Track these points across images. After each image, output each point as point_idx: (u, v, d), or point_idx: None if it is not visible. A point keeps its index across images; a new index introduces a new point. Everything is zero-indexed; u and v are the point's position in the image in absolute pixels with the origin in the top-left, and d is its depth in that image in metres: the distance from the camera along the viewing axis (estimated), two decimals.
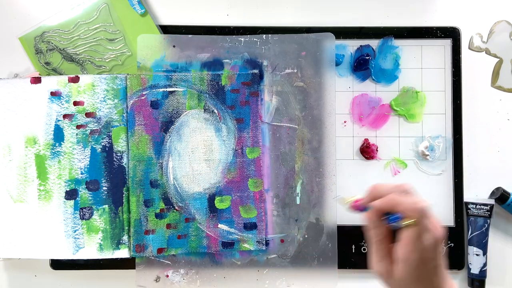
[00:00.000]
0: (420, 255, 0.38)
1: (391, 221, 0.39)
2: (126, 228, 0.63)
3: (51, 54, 0.66)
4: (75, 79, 0.64)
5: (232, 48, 0.66)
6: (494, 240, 0.66)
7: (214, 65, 0.65)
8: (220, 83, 0.65)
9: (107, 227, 0.63)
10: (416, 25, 0.67)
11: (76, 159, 0.63)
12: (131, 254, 0.63)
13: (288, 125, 0.66)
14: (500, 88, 0.68)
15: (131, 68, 0.66)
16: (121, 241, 0.63)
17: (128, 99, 0.64)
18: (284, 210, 0.65)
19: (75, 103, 0.63)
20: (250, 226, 0.64)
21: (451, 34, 0.67)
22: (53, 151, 0.63)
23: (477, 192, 0.67)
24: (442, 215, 0.66)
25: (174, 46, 0.65)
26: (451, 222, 0.66)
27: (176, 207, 0.64)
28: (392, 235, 0.41)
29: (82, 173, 0.63)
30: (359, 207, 0.41)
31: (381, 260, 0.41)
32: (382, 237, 0.40)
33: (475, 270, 0.64)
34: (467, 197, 0.66)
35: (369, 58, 0.66)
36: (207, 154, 0.65)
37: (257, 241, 0.64)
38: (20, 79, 0.64)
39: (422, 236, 0.38)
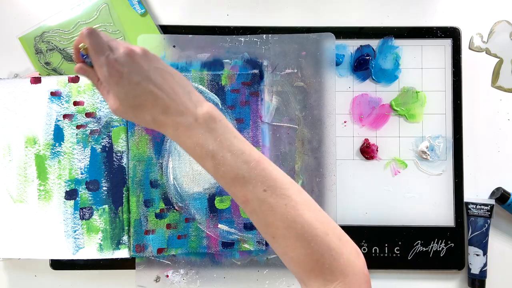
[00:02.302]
0: (110, 69, 0.41)
1: (85, 61, 0.44)
2: (126, 228, 0.63)
3: (51, 54, 0.66)
4: (75, 79, 0.64)
5: (232, 48, 0.66)
6: (494, 240, 0.66)
7: (214, 65, 0.65)
8: (220, 83, 0.65)
9: (107, 227, 0.63)
10: (416, 25, 0.67)
11: (76, 159, 0.63)
12: (131, 254, 0.63)
13: (288, 125, 0.66)
14: (500, 88, 0.68)
15: None
16: (121, 241, 0.63)
17: None
18: None
19: (75, 103, 0.63)
20: (250, 226, 0.64)
21: (451, 34, 0.67)
22: (53, 151, 0.63)
23: (477, 192, 0.67)
24: (442, 215, 0.66)
25: (174, 46, 0.65)
26: (451, 222, 0.66)
27: (176, 207, 0.64)
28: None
29: (82, 173, 0.63)
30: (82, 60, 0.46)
31: (107, 98, 0.43)
32: (98, 79, 0.44)
33: (475, 270, 0.64)
34: (467, 197, 0.66)
35: (369, 58, 0.66)
36: None
37: (257, 241, 0.64)
38: (20, 79, 0.64)
39: (100, 51, 0.41)
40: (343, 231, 0.41)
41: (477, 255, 0.64)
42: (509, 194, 0.65)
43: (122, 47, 0.42)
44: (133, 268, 0.64)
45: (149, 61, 0.42)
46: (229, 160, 0.40)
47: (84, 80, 0.63)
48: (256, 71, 0.65)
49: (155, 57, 0.43)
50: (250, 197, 0.40)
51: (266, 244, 0.65)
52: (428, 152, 0.66)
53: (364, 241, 0.65)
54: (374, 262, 0.65)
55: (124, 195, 0.64)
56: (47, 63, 0.67)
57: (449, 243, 0.65)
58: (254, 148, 0.42)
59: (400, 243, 0.65)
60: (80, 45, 0.43)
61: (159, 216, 0.64)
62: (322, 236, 0.39)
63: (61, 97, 0.63)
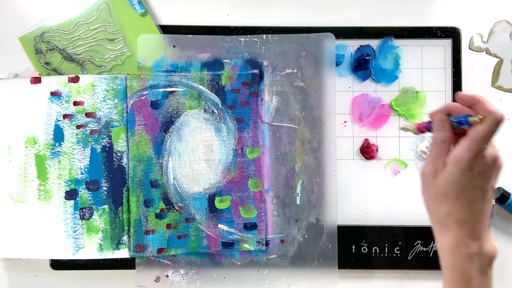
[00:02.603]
0: (474, 161, 0.37)
1: (462, 121, 0.38)
2: (126, 228, 0.63)
3: (51, 54, 0.66)
4: (75, 79, 0.64)
5: (232, 48, 0.66)
6: (494, 240, 0.65)
7: (214, 65, 0.65)
8: (220, 83, 0.65)
9: (107, 227, 0.63)
10: (416, 25, 0.67)
11: (76, 159, 0.63)
12: (131, 254, 0.63)
13: (288, 125, 0.66)
14: (500, 88, 0.68)
15: (131, 68, 0.66)
16: (121, 241, 0.63)
17: (128, 99, 0.64)
18: (284, 210, 0.65)
19: (75, 103, 0.63)
20: (250, 226, 0.64)
21: (451, 34, 0.67)
22: (53, 151, 0.63)
23: None
24: None
25: (174, 46, 0.65)
26: None
27: (176, 207, 0.64)
28: (456, 140, 0.40)
29: (82, 173, 0.63)
30: (425, 127, 0.42)
31: (434, 159, 0.40)
32: (446, 140, 0.40)
33: None
34: None
35: (369, 58, 0.66)
36: (207, 154, 0.65)
37: (257, 241, 0.64)
38: (20, 79, 0.64)
39: (485, 141, 0.37)
40: None
41: None
42: (509, 194, 0.65)
43: (500, 157, 0.39)
44: (133, 268, 0.64)
45: (495, 179, 0.40)
46: None
47: (84, 80, 0.63)
48: (256, 71, 0.65)
49: (499, 177, 0.40)
50: None
51: (266, 244, 0.65)
52: (428, 152, 0.66)
53: (364, 241, 0.65)
54: (374, 262, 0.65)
55: (124, 195, 0.64)
56: (47, 63, 0.67)
57: None
58: None
59: (400, 243, 0.65)
60: (478, 119, 0.37)
61: (159, 216, 0.64)
62: None
63: (61, 97, 0.63)
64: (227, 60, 0.66)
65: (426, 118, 0.39)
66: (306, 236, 0.65)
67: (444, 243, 0.39)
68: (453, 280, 0.39)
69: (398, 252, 0.65)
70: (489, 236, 0.40)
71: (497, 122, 0.37)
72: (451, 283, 0.39)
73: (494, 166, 0.39)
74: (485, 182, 0.38)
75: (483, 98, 0.39)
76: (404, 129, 0.43)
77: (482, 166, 0.38)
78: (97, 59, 0.66)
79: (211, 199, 0.64)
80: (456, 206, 0.38)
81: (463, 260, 0.38)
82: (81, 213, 0.63)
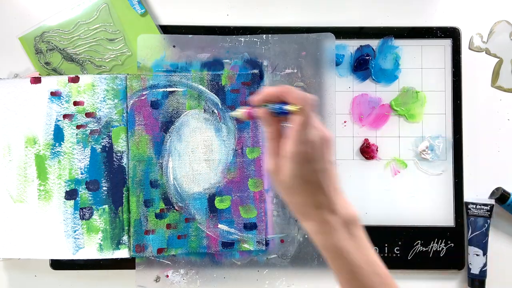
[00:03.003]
0: (305, 149, 0.38)
1: (277, 109, 0.39)
2: (126, 228, 0.63)
3: (51, 54, 0.66)
4: (75, 79, 0.64)
5: (232, 48, 0.66)
6: (494, 240, 0.66)
7: (214, 65, 0.65)
8: (220, 83, 0.65)
9: (107, 227, 0.63)
10: (416, 25, 0.67)
11: (76, 159, 0.63)
12: (131, 254, 0.63)
13: (288, 125, 0.65)
14: (500, 88, 0.68)
15: (131, 68, 0.66)
16: (121, 241, 0.63)
17: (128, 99, 0.64)
18: (284, 210, 0.65)
19: (75, 103, 0.63)
20: (250, 226, 0.64)
21: (451, 34, 0.67)
22: (53, 151, 0.63)
23: (477, 192, 0.67)
24: (442, 215, 0.66)
25: (174, 46, 0.65)
26: (451, 222, 0.66)
27: (176, 207, 0.64)
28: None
29: (82, 173, 0.63)
30: (253, 113, 0.42)
31: (272, 157, 0.40)
32: (276, 135, 0.40)
33: (475, 270, 0.64)
34: (467, 197, 0.66)
35: (369, 58, 0.66)
36: (207, 154, 0.65)
37: (257, 241, 0.64)
38: (20, 79, 0.64)
39: (306, 128, 0.38)
40: None
41: (477, 255, 0.64)
42: (509, 194, 0.65)
43: (321, 130, 0.39)
44: (133, 268, 0.64)
45: (330, 153, 0.40)
46: (365, 272, 0.39)
47: (84, 80, 0.63)
48: (256, 71, 0.65)
49: (333, 148, 0.41)
50: None
51: (266, 244, 0.65)
52: (429, 152, 0.66)
53: None
54: None
55: (124, 195, 0.64)
56: (47, 63, 0.67)
57: (449, 243, 0.65)
58: (379, 257, 0.41)
59: (400, 243, 0.65)
60: (295, 108, 0.38)
61: (159, 216, 0.64)
62: None
63: (61, 97, 0.63)
64: (227, 60, 0.66)
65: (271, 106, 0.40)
66: (306, 236, 0.65)
67: (310, 229, 0.41)
68: (332, 257, 0.40)
69: (398, 252, 0.65)
70: (344, 200, 0.40)
71: (312, 107, 0.38)
72: (332, 262, 0.40)
73: (324, 144, 0.39)
74: (322, 162, 0.39)
75: (289, 88, 0.39)
76: (234, 115, 0.43)
77: (314, 151, 0.38)
78: (97, 59, 0.66)
79: (211, 199, 0.64)
80: (306, 194, 0.39)
81: (330, 236, 0.39)
82: (81, 213, 0.63)
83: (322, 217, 0.39)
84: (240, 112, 0.42)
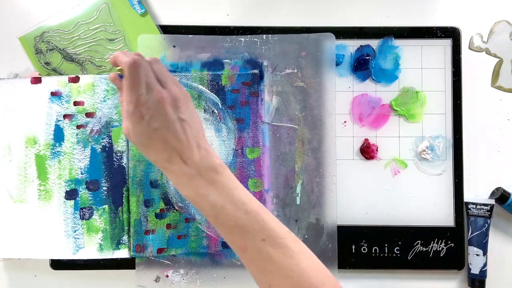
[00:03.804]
0: (137, 109, 0.41)
1: (119, 76, 0.43)
2: (126, 228, 0.63)
3: (51, 54, 0.66)
4: (75, 79, 0.64)
5: (232, 48, 0.66)
6: (494, 240, 0.66)
7: (214, 65, 0.66)
8: (220, 83, 0.65)
9: (107, 227, 0.63)
10: (416, 25, 0.67)
11: (76, 159, 0.63)
12: (131, 254, 0.63)
13: (288, 125, 0.66)
14: (500, 88, 0.68)
15: None
16: (121, 241, 0.63)
17: None
18: (284, 211, 0.65)
19: (75, 103, 0.63)
20: None
21: (451, 34, 0.67)
22: (53, 151, 0.63)
23: (477, 192, 0.67)
24: (442, 215, 0.66)
25: (174, 46, 0.65)
26: (451, 222, 0.66)
27: (176, 207, 0.64)
28: None
29: (82, 173, 0.63)
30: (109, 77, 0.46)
31: (124, 118, 0.43)
32: (121, 95, 0.44)
33: (475, 270, 0.64)
34: (467, 197, 0.66)
35: (369, 58, 0.66)
36: None
37: None
38: (20, 79, 0.64)
39: (133, 89, 0.40)
40: (337, 281, 0.42)
41: (477, 255, 0.64)
42: (509, 194, 0.65)
43: (156, 91, 0.41)
44: (133, 268, 0.64)
45: (175, 109, 0.42)
46: (230, 210, 0.41)
47: (84, 80, 0.64)
48: (256, 71, 0.65)
49: (184, 104, 0.43)
50: (249, 246, 0.41)
51: None
52: (429, 152, 0.66)
53: (364, 241, 0.65)
54: (374, 262, 0.65)
55: (124, 195, 0.64)
56: (47, 63, 0.67)
57: (449, 243, 0.65)
58: (254, 198, 0.43)
59: (400, 243, 0.65)
60: (118, 68, 0.42)
61: (159, 216, 0.64)
62: (318, 285, 0.39)
63: (61, 97, 0.63)
64: (227, 60, 0.66)
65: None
66: (306, 236, 0.65)
67: (172, 182, 0.43)
68: (195, 203, 0.42)
69: (398, 252, 0.65)
70: (206, 151, 0.43)
71: (131, 67, 0.40)
72: (197, 207, 0.42)
73: (162, 103, 0.41)
74: (162, 121, 0.41)
75: (117, 53, 0.43)
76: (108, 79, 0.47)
77: (151, 111, 0.41)
78: (97, 59, 0.66)
79: None
80: (156, 150, 0.42)
81: (188, 185, 0.42)
82: (81, 213, 0.63)
83: (176, 169, 0.42)
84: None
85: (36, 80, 0.63)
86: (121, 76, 0.43)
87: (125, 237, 0.63)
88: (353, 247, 0.65)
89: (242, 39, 0.66)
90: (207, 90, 0.65)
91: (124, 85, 0.42)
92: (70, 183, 0.63)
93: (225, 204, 0.41)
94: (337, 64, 0.67)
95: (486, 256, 0.64)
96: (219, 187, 0.42)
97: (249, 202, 0.42)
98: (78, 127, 0.63)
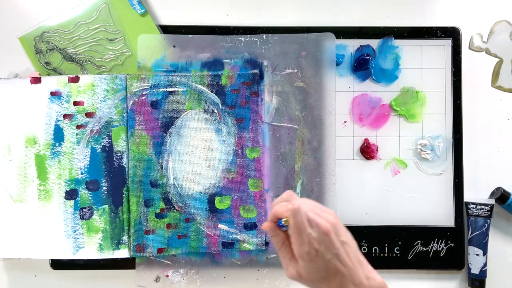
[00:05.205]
0: (308, 249, 0.42)
1: (279, 225, 0.44)
2: (126, 228, 0.63)
3: (51, 54, 0.66)
4: (75, 79, 0.64)
5: (232, 48, 0.66)
6: (494, 240, 0.66)
7: (214, 65, 0.66)
8: (220, 83, 0.65)
9: (107, 227, 0.63)
10: (416, 25, 0.67)
11: (76, 159, 0.63)
12: (131, 254, 0.63)
13: (288, 125, 0.66)
14: (500, 88, 0.68)
15: (131, 68, 0.66)
16: (121, 241, 0.63)
17: (128, 99, 0.64)
18: None
19: (75, 103, 0.63)
20: (250, 226, 0.64)
21: (451, 34, 0.67)
22: (53, 151, 0.63)
23: (477, 192, 0.67)
24: (442, 215, 0.66)
25: (174, 46, 0.65)
26: (451, 222, 0.66)
27: (176, 207, 0.64)
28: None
29: (82, 173, 0.63)
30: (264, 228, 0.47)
31: (288, 264, 0.44)
32: (283, 243, 0.45)
33: (475, 270, 0.64)
34: (467, 197, 0.66)
35: (369, 58, 0.66)
36: (207, 154, 0.65)
37: (257, 241, 0.64)
38: (20, 79, 0.64)
39: (302, 230, 0.42)
40: None
41: (477, 255, 0.64)
42: (509, 194, 0.65)
43: (322, 225, 0.42)
44: (133, 268, 0.64)
45: (338, 236, 0.43)
46: None
47: (84, 80, 0.64)
48: (256, 71, 0.65)
49: (340, 226, 0.44)
50: None
51: (266, 244, 0.65)
52: (428, 152, 0.66)
53: (364, 241, 0.65)
54: (374, 262, 0.65)
55: (124, 195, 0.64)
56: (47, 63, 0.67)
57: (449, 243, 0.65)
58: None
59: (400, 243, 0.65)
60: (284, 220, 0.43)
61: (159, 216, 0.64)
62: None
63: (61, 97, 0.63)
64: (227, 60, 0.66)
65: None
66: None
67: None
68: None
69: (398, 252, 0.65)
70: (369, 270, 0.44)
71: (295, 214, 0.42)
72: None
73: (325, 236, 0.42)
74: (331, 250, 0.42)
75: (275, 208, 0.45)
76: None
77: (319, 244, 0.42)
78: (97, 59, 0.66)
79: (211, 199, 0.64)
80: (329, 281, 0.43)
81: None
82: (81, 213, 0.63)
83: None
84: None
85: (36, 80, 0.63)
86: (282, 226, 0.44)
87: (125, 237, 0.63)
88: None
89: (242, 39, 0.66)
90: (207, 90, 0.65)
91: (293, 231, 0.42)
92: (70, 183, 0.63)
93: None
94: (337, 64, 0.67)
95: (486, 256, 0.64)
96: None
97: None
98: (78, 127, 0.63)
